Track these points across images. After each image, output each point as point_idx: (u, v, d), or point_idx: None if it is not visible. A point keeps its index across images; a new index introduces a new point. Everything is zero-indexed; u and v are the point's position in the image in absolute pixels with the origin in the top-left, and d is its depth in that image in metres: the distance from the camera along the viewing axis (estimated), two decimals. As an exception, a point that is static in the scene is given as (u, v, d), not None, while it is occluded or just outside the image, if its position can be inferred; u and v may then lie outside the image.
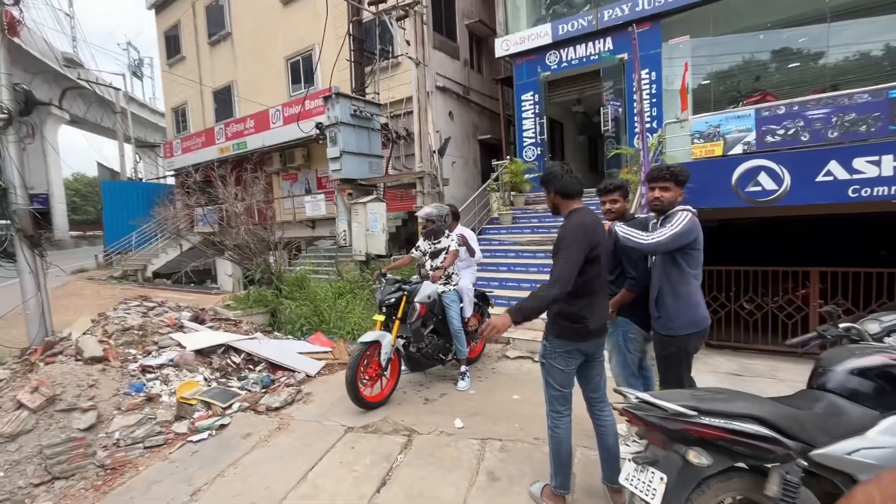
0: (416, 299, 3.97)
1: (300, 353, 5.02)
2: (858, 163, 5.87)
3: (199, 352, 4.41)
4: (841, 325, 2.06)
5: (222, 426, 3.51)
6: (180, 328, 4.77)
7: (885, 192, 5.65)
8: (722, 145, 7.19)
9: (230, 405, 3.81)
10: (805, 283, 6.20)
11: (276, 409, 3.83)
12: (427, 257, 4.40)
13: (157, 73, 21.73)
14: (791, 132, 6.68)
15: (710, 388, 1.85)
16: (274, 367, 4.64)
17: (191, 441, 3.28)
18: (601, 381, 2.37)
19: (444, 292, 4.30)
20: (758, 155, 6.74)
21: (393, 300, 3.90)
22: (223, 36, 16.21)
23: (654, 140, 7.61)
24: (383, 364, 3.75)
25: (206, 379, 4.14)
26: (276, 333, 5.59)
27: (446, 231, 4.41)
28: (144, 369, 3.96)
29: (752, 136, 6.96)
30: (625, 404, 1.80)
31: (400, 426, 3.43)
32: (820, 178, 6.09)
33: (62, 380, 3.49)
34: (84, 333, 4.64)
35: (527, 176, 8.96)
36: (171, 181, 19.80)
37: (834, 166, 6.17)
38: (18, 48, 22.46)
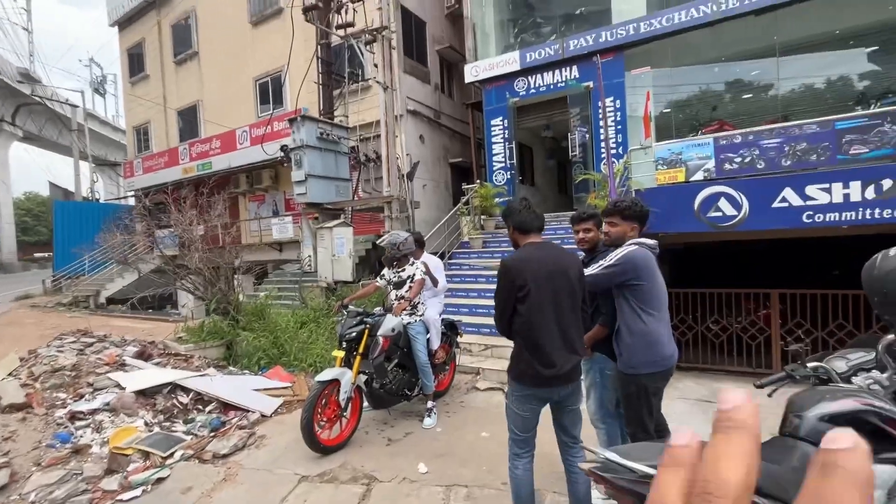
0: (378, 332, 3.76)
1: (256, 389, 4.68)
2: (811, 190, 6.10)
3: (141, 393, 4.03)
4: (809, 365, 2.00)
5: (160, 479, 3.15)
6: (122, 366, 4.37)
7: (836, 218, 5.88)
8: (684, 172, 7.39)
9: (171, 453, 3.46)
10: (766, 304, 6.33)
11: (225, 455, 3.50)
12: (391, 286, 4.22)
13: (121, 90, 21.03)
14: (748, 160, 6.93)
15: None
16: (226, 406, 4.29)
17: (120, 500, 2.92)
18: (575, 428, 2.23)
19: (409, 324, 4.11)
20: (717, 182, 6.94)
21: (354, 334, 3.69)
22: (189, 55, 15.88)
23: (620, 166, 7.77)
24: (342, 404, 3.50)
25: (147, 424, 3.77)
26: (231, 368, 5.23)
27: (411, 259, 4.26)
28: (74, 416, 3.57)
29: (711, 164, 7.19)
30: (592, 463, 1.66)
31: (359, 473, 3.17)
32: (776, 204, 6.29)
33: (-28, 433, 3.08)
34: (10, 374, 4.19)
35: (497, 200, 8.95)
36: (132, 202, 18.96)
37: (789, 193, 6.40)
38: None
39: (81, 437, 3.42)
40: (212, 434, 3.82)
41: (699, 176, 7.26)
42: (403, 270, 4.14)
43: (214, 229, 6.46)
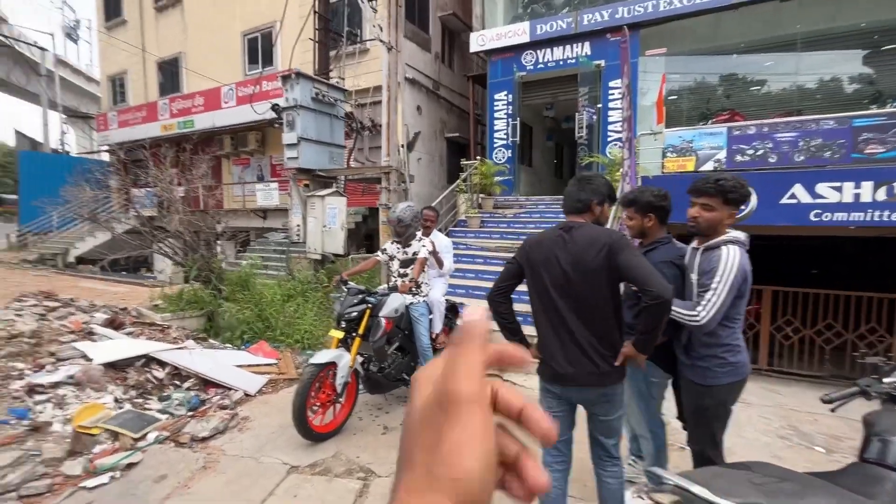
0: (381, 313, 3.43)
1: (239, 365, 4.34)
2: (822, 188, 5.93)
3: (111, 365, 3.65)
4: (885, 381, 1.77)
5: (131, 465, 2.82)
6: (89, 335, 3.96)
7: (844, 218, 5.73)
8: (694, 161, 7.16)
9: (144, 435, 3.12)
10: (757, 299, 6.23)
11: (204, 439, 3.18)
12: (395, 263, 3.89)
13: (95, 36, 19.48)
14: (760, 153, 6.73)
15: (768, 470, 1.48)
16: (206, 383, 3.95)
17: (84, 487, 2.59)
18: (608, 441, 1.96)
19: (412, 304, 3.80)
20: (729, 172, 6.77)
21: (355, 314, 3.35)
22: (172, 2, 14.75)
23: (623, 152, 7.48)
24: (338, 389, 3.20)
25: (116, 400, 3.40)
26: (211, 341, 4.85)
27: (417, 234, 3.92)
28: (32, 389, 3.17)
29: (723, 154, 6.97)
30: (654, 489, 1.40)
31: (354, 465, 2.90)
32: (785, 200, 6.13)
33: None
34: (-39, 337, 3.74)
35: (497, 178, 8.61)
36: (104, 157, 17.86)
37: (798, 189, 6.24)
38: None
39: (41, 413, 3.05)
40: (190, 414, 3.49)
41: (709, 166, 7.04)
42: (409, 246, 3.81)
43: (196, 191, 5.94)
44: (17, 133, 18.38)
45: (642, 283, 1.72)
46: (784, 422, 3.76)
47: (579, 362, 1.83)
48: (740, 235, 2.07)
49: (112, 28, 16.74)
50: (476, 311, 0.30)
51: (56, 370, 3.38)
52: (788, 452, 3.19)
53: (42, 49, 19.50)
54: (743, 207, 2.31)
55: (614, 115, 8.46)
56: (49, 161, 16.47)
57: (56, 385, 3.26)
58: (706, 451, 2.04)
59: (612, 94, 8.44)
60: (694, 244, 2.24)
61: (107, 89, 17.79)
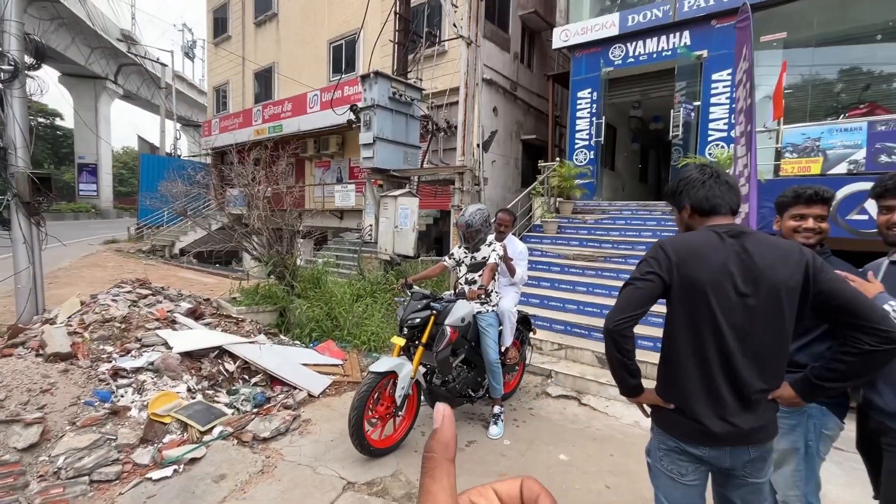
0: (447, 321, 3.15)
1: (305, 364, 4.31)
2: None
3: (187, 355, 3.76)
4: None
5: (194, 459, 2.81)
6: (172, 323, 4.14)
7: None
8: (821, 162, 6.04)
9: (210, 428, 3.12)
10: None
11: (265, 439, 3.11)
12: (462, 268, 3.59)
13: (206, 55, 21.96)
14: (915, 152, 5.49)
15: None
16: (273, 380, 3.94)
17: (149, 479, 2.59)
18: None
19: (479, 313, 3.48)
20: (867, 177, 5.59)
21: (418, 320, 3.10)
22: (269, 17, 15.93)
23: (728, 154, 6.52)
24: (398, 402, 2.96)
25: (189, 390, 3.47)
26: (281, 337, 4.91)
27: (488, 238, 3.58)
28: (117, 372, 3.32)
29: (861, 154, 5.80)
30: None
31: (414, 488, 2.64)
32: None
33: (12, 380, 2.88)
34: (69, 317, 4.08)
35: (577, 181, 8.00)
36: (209, 160, 19.82)
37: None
38: (81, 23, 23.18)
39: (122, 397, 3.17)
40: (255, 410, 3.46)
41: (842, 168, 5.89)
42: (478, 251, 3.49)
43: (279, 188, 6.14)
44: (140, 138, 20.94)
45: (866, 318, 1.24)
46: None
47: (742, 416, 1.36)
48: None
49: (219, 43, 18.50)
50: (443, 413, 0.31)
51: (140, 356, 3.53)
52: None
53: (163, 65, 22.13)
54: None
55: (717, 112, 7.47)
56: (164, 163, 18.59)
57: (138, 370, 3.39)
58: None
59: (716, 87, 7.47)
60: (891, 257, 1.69)
61: (212, 98, 19.69)
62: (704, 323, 1.37)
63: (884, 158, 5.64)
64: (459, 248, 3.68)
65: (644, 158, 14.02)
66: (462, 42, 6.13)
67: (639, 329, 1.54)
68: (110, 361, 3.40)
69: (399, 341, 3.09)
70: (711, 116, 7.48)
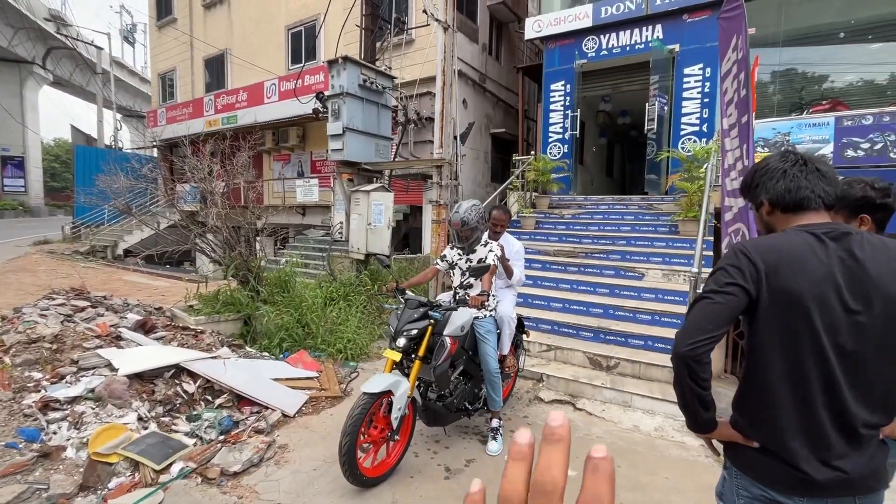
0: (446, 332, 2.82)
1: (276, 378, 3.85)
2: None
3: (137, 376, 3.22)
4: None
5: (149, 507, 2.34)
6: (116, 339, 3.57)
7: None
8: (791, 156, 6.19)
9: (168, 466, 2.65)
10: None
11: (235, 474, 2.68)
12: (456, 271, 3.27)
13: (148, 39, 20.23)
14: (878, 146, 5.68)
15: None
16: (240, 399, 3.47)
17: (92, 539, 2.12)
18: None
19: (477, 319, 3.18)
20: (836, 171, 5.77)
21: (415, 331, 2.74)
22: (220, -2, 14.82)
23: (703, 149, 6.57)
24: (394, 425, 2.61)
25: (141, 419, 2.96)
26: (248, 349, 4.41)
27: (483, 238, 3.29)
28: (47, 404, 2.76)
29: (828, 149, 5.96)
30: None
31: (415, 525, 2.31)
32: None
33: None
34: (-14, 337, 3.42)
35: (553, 176, 7.86)
36: (155, 152, 18.34)
37: (930, 191, 5.17)
38: (2, 1, 20.76)
39: (54, 434, 2.63)
40: (221, 438, 3.00)
41: (811, 163, 6.06)
42: (474, 252, 3.19)
43: (237, 184, 5.56)
44: (74, 129, 19.08)
45: None
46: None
47: (849, 458, 1.11)
48: None
49: (163, 26, 17.10)
50: (559, 414, 0.30)
51: (77, 381, 2.98)
52: None
53: (98, 48, 20.24)
54: None
55: (689, 106, 7.53)
56: (102, 156, 16.98)
57: (74, 400, 2.85)
58: None
59: (688, 82, 7.51)
60: None
61: (157, 86, 18.22)
62: (804, 345, 1.12)
63: (850, 153, 5.82)
64: (452, 249, 3.36)
65: (610, 153, 14.20)
66: (438, 28, 5.77)
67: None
68: (39, 391, 2.83)
69: (394, 356, 2.73)
70: (684, 110, 7.53)
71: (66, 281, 8.24)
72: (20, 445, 2.48)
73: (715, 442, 1.34)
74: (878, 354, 1.11)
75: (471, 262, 3.15)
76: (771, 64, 7.33)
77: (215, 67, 15.38)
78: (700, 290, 1.23)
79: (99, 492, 2.39)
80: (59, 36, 21.50)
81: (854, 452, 1.12)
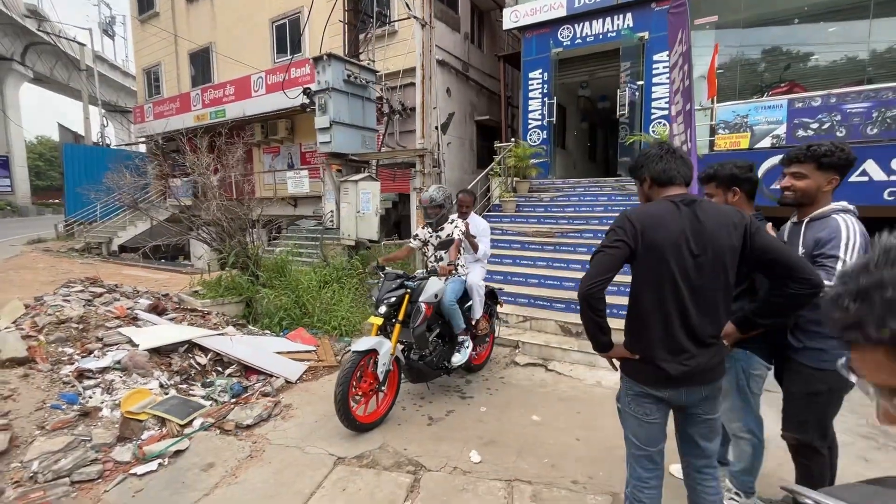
0: (421, 298, 3.29)
1: (278, 352, 4.30)
2: (898, 164, 5.40)
3: (155, 351, 3.65)
4: None
5: (178, 452, 2.79)
6: (133, 320, 3.98)
7: (925, 197, 5.20)
8: (748, 137, 6.64)
9: (190, 421, 3.10)
10: None
11: (248, 427, 3.13)
12: (429, 248, 3.77)
13: (130, 32, 20.08)
14: (826, 126, 6.16)
15: None
16: (247, 370, 3.92)
17: (134, 474, 2.56)
18: (709, 446, 1.72)
19: (446, 281, 3.65)
20: (787, 150, 6.23)
21: (394, 299, 3.22)
22: (202, -9, 14.83)
23: (667, 133, 7.01)
24: (380, 377, 3.08)
25: (162, 386, 3.40)
26: (250, 327, 4.84)
27: (451, 217, 3.77)
28: (81, 374, 3.19)
29: (782, 129, 6.43)
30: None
31: (402, 457, 2.78)
32: (854, 178, 5.64)
33: (-34, 389, 2.71)
34: (14, 322, 3.82)
35: (532, 161, 8.28)
36: (142, 148, 18.41)
37: (871, 166, 5.74)
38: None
39: (90, 398, 3.06)
40: (233, 401, 3.45)
41: (766, 143, 6.52)
42: (442, 229, 3.68)
43: (232, 177, 5.92)
44: (61, 127, 19.06)
45: (791, 269, 1.50)
46: (865, 419, 3.41)
47: (697, 359, 1.59)
48: (849, 206, 1.84)
49: (145, 20, 17.05)
50: None
51: (104, 355, 3.40)
52: (878, 454, 2.88)
53: (81, 44, 20.09)
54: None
55: (659, 91, 7.95)
56: (91, 153, 17.07)
57: (104, 370, 3.28)
58: (813, 441, 1.81)
59: (657, 68, 7.92)
60: (793, 219, 2.00)
61: (142, 82, 18.21)
62: (665, 281, 1.58)
63: (801, 133, 6.29)
64: (424, 228, 3.84)
65: (592, 137, 14.61)
66: (416, 23, 6.11)
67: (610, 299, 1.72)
68: (72, 363, 3.26)
69: (376, 320, 3.20)
70: (654, 96, 7.95)
71: (66, 276, 8.56)
72: (63, 407, 2.91)
73: (614, 361, 1.81)
74: (712, 284, 1.57)
75: (439, 237, 3.63)
76: (733, 47, 7.75)
77: (201, 61, 15.46)
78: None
79: (134, 441, 2.83)
80: (39, 33, 21.23)
81: (700, 355, 1.59)
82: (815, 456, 1.86)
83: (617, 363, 1.80)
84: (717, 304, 1.60)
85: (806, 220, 1.89)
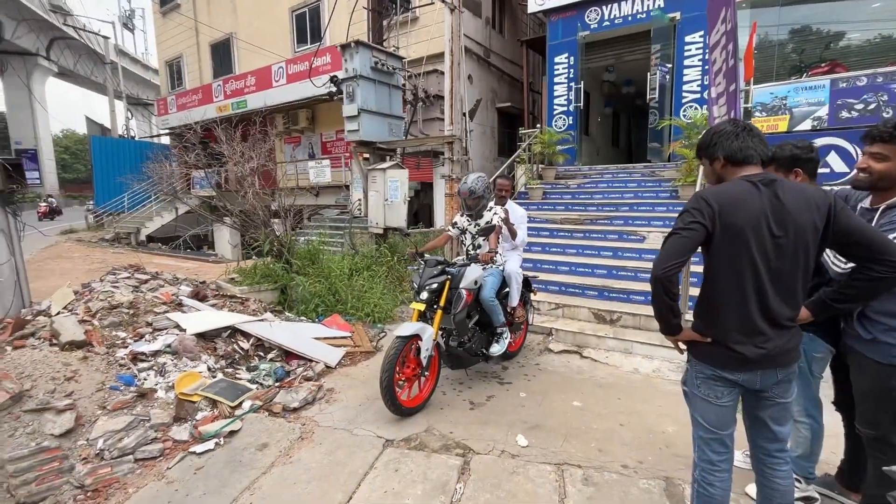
0: (461, 285, 3.31)
1: (316, 338, 4.38)
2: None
3: (201, 336, 3.75)
4: None
5: (232, 433, 2.88)
6: (178, 306, 4.09)
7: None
8: (788, 119, 6.42)
9: (240, 403, 3.19)
10: None
11: (295, 409, 3.21)
12: (467, 236, 3.77)
13: (150, 27, 20.37)
14: (872, 107, 5.91)
15: None
16: (288, 355, 4.00)
17: (194, 453, 2.65)
18: (782, 431, 1.69)
19: (484, 268, 3.65)
20: (830, 132, 6.00)
21: (435, 285, 3.24)
22: (222, -19, 14.89)
23: (701, 116, 6.83)
24: (423, 362, 3.11)
25: (209, 369, 3.50)
26: (286, 314, 4.93)
27: (489, 204, 3.74)
28: (136, 357, 3.30)
29: (824, 111, 6.20)
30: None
31: (450, 440, 2.82)
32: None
33: (33, 370, 2.83)
34: (65, 307, 3.96)
35: (559, 147, 8.16)
36: (165, 140, 18.73)
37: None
38: (1, -9, 20.88)
39: (145, 380, 3.17)
40: (277, 384, 3.53)
41: (807, 125, 6.29)
42: (481, 217, 3.66)
43: (264, 166, 5.99)
44: (88, 120, 19.50)
45: (879, 251, 1.46)
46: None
47: (774, 342, 1.56)
48: None
49: (167, 13, 17.23)
50: None
51: (154, 339, 3.51)
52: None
53: (105, 38, 20.42)
54: None
55: (690, 74, 7.72)
56: (118, 145, 17.46)
57: (156, 353, 3.38)
58: (888, 436, 1.76)
59: (689, 49, 7.68)
60: (865, 203, 1.91)
61: (164, 74, 18.46)
62: (744, 263, 1.54)
63: (844, 114, 6.06)
64: (462, 216, 3.82)
65: (616, 123, 14.32)
66: (445, 8, 6.03)
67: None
68: (126, 346, 3.37)
69: (419, 306, 3.22)
70: (685, 79, 7.73)
71: (101, 265, 8.83)
72: (121, 388, 3.02)
73: (680, 344, 1.79)
74: (791, 266, 1.53)
75: (479, 225, 3.62)
76: (770, 25, 7.45)
77: (222, 52, 15.58)
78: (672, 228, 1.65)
79: (190, 422, 2.93)
80: (64, 28, 21.63)
81: (777, 338, 1.56)
82: (890, 451, 1.81)
83: (683, 346, 1.78)
84: (795, 287, 1.56)
85: (882, 206, 1.79)
